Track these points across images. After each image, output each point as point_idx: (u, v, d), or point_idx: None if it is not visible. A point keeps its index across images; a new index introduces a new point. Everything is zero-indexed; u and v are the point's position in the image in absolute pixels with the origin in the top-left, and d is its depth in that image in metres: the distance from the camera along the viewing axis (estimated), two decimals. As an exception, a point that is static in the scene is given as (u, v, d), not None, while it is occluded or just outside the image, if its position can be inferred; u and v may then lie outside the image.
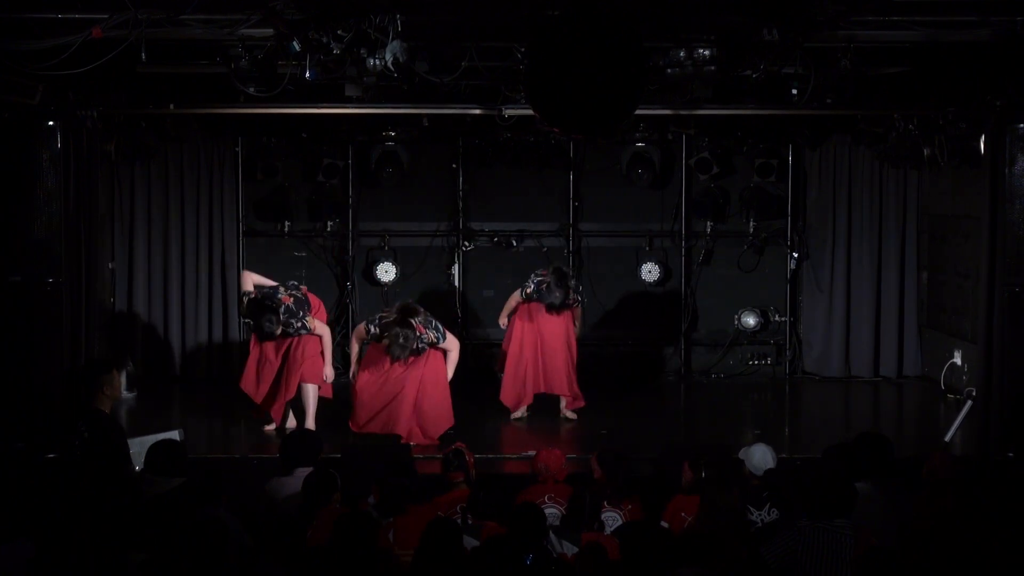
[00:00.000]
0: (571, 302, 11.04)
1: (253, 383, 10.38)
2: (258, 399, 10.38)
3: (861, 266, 13.32)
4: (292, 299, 10.21)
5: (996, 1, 8.28)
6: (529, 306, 11.10)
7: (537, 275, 11.06)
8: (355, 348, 10.50)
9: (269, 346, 10.31)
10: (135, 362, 12.46)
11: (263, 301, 10.14)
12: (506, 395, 11.12)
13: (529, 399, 11.11)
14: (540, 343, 11.05)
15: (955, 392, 11.80)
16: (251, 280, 10.38)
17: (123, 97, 10.34)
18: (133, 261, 13.04)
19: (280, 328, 10.10)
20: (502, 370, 11.25)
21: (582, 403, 11.23)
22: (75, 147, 9.52)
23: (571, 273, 11.46)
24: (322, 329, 10.32)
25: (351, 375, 10.55)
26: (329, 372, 10.37)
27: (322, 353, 10.33)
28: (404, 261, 13.37)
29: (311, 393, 10.30)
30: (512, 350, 11.11)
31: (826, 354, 13.43)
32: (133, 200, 13.02)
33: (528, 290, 10.99)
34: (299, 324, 10.18)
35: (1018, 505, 6.99)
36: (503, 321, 11.26)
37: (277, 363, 10.30)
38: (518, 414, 11.10)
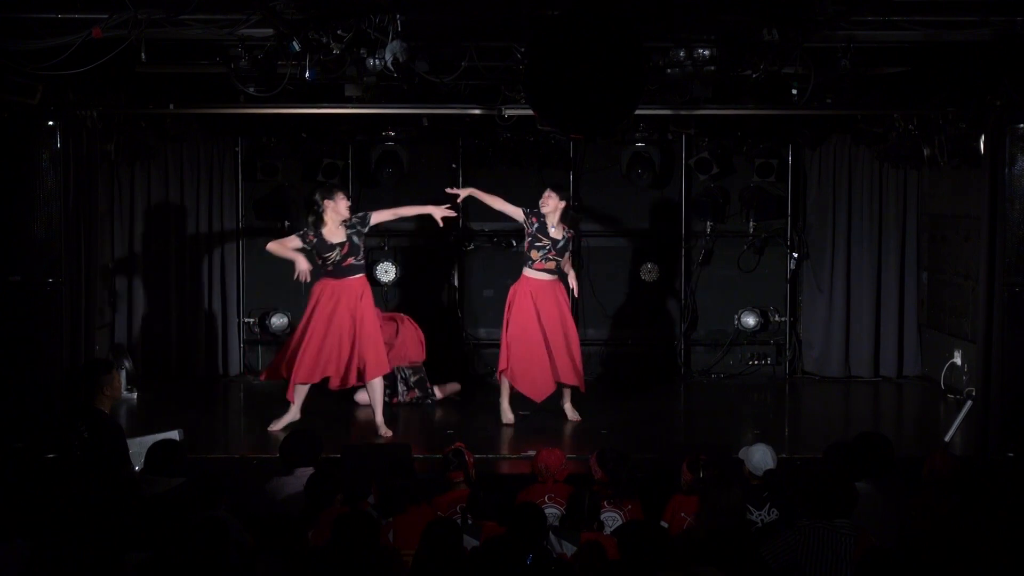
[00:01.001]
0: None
1: (288, 365, 10.26)
2: (314, 377, 10.26)
3: (861, 266, 13.30)
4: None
5: (996, 1, 8.29)
6: (523, 298, 10.68)
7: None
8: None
9: (324, 331, 10.23)
10: (135, 362, 12.45)
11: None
12: (532, 390, 10.68)
13: (552, 386, 10.69)
14: (544, 331, 10.61)
15: (955, 392, 11.79)
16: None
17: (123, 97, 10.35)
18: (133, 261, 13.03)
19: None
20: (505, 371, 10.77)
21: (582, 388, 10.91)
22: (75, 147, 9.52)
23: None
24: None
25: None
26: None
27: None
28: (404, 261, 13.36)
29: (377, 387, 10.29)
30: (518, 342, 10.62)
31: (826, 354, 13.40)
32: (133, 200, 12.99)
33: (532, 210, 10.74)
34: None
35: (1018, 505, 6.98)
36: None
37: (345, 343, 10.24)
38: (509, 418, 10.80)
